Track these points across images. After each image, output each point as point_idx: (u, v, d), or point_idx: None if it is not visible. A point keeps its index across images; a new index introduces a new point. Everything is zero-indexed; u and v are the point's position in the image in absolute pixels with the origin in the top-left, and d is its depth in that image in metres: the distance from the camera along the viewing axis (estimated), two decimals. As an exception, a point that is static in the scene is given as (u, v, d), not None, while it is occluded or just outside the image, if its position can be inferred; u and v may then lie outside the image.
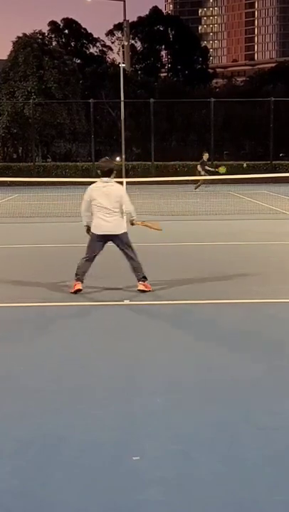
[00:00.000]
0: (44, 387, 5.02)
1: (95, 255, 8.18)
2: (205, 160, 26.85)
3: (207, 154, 27.66)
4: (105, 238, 8.07)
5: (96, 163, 8.34)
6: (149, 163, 34.47)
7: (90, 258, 8.16)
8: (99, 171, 8.23)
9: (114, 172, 8.22)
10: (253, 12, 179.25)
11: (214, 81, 69.22)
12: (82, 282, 8.13)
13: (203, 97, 40.52)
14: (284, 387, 5.01)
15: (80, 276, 8.11)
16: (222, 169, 26.73)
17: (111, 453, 3.92)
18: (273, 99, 34.92)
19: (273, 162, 34.97)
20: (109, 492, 3.49)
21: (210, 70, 75.87)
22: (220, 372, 5.31)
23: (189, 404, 4.68)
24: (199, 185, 26.63)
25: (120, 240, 8.09)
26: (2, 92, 39.50)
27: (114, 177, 8.25)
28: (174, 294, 8.11)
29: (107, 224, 7.97)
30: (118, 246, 8.17)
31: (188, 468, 3.75)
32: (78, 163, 37.13)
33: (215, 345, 6.06)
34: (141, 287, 8.09)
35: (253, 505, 3.38)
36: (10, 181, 27.75)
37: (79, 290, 8.08)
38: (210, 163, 28.16)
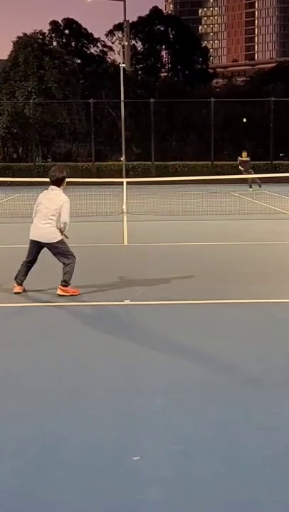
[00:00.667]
0: (44, 387, 5.02)
1: (32, 261, 8.24)
2: (244, 158, 26.41)
3: (246, 152, 26.61)
4: (38, 244, 8.13)
5: (50, 171, 8.56)
6: (149, 163, 34.50)
7: (25, 261, 8.25)
8: (49, 180, 8.33)
9: (65, 181, 8.35)
10: (253, 12, 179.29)
11: (214, 81, 69.24)
12: (20, 285, 8.23)
13: (203, 97, 40.55)
14: (284, 387, 5.01)
15: (17, 279, 8.25)
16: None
17: (111, 453, 3.92)
18: (273, 99, 34.96)
19: (273, 162, 34.99)
20: (109, 492, 3.49)
21: (210, 70, 75.86)
22: (220, 372, 5.31)
23: (189, 404, 4.68)
24: (251, 184, 26.80)
25: (52, 249, 8.14)
26: (2, 92, 39.49)
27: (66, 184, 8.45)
28: (174, 294, 8.11)
29: (37, 231, 8.08)
30: (51, 253, 8.22)
31: (188, 468, 3.76)
32: (78, 163, 37.10)
33: (215, 345, 6.06)
34: (59, 291, 8.05)
35: (253, 505, 3.38)
36: (10, 181, 27.74)
37: (18, 293, 8.18)
38: (249, 159, 26.77)
